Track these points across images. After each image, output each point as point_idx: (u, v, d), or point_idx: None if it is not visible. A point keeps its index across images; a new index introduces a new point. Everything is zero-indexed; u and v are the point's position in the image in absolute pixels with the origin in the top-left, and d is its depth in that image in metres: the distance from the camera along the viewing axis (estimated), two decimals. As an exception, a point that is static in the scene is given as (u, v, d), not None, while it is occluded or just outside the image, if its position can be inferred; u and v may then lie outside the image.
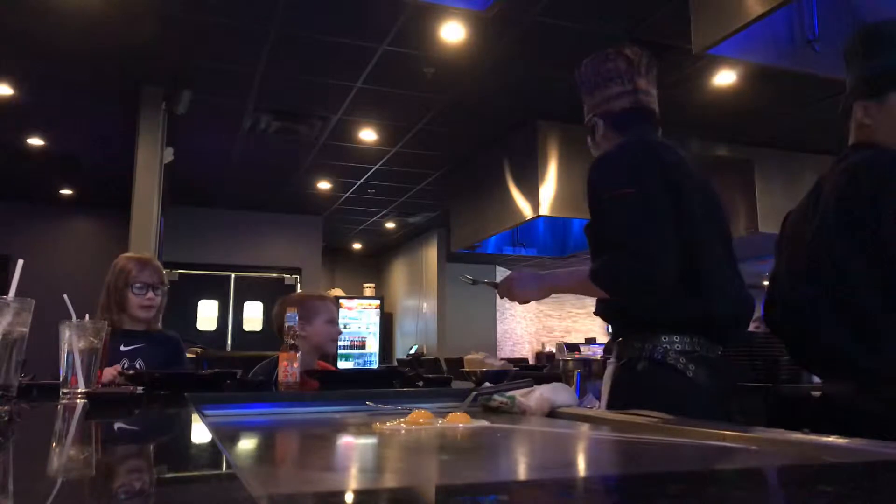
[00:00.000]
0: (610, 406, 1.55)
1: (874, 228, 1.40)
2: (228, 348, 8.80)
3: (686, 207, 1.54)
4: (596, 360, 2.10)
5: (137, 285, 2.40)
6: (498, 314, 11.06)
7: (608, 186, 1.57)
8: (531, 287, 1.68)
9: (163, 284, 2.47)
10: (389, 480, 0.79)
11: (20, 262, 1.32)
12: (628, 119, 1.71)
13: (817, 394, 1.69)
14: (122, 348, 2.32)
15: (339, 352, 9.72)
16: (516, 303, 1.74)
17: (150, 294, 2.42)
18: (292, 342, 1.85)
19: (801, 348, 1.62)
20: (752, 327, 3.88)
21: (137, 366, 2.28)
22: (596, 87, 1.76)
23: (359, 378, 2.31)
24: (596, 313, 1.75)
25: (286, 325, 1.92)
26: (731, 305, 1.57)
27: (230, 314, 9.06)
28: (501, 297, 1.77)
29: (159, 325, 2.53)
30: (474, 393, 1.41)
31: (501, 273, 11.27)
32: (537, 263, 9.79)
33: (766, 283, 1.76)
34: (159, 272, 2.48)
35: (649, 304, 1.52)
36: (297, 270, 9.21)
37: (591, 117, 1.78)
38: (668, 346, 1.49)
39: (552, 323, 11.20)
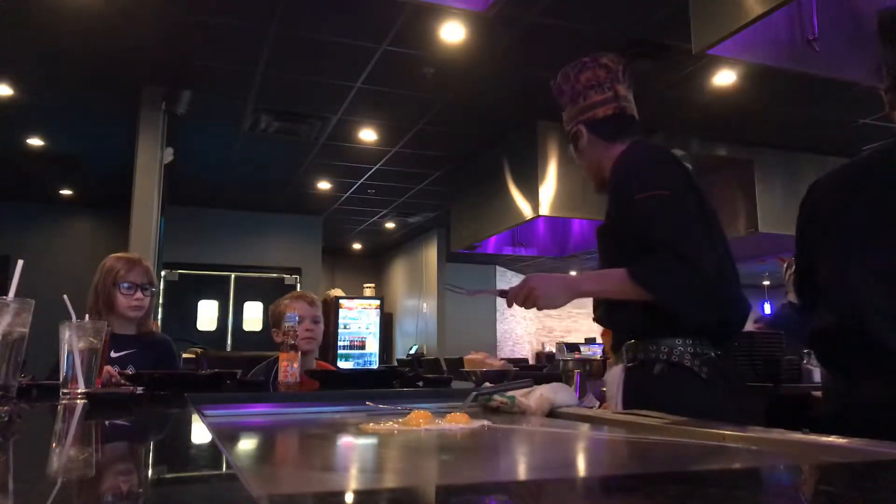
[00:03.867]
0: (626, 408, 1.51)
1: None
2: (228, 348, 8.80)
3: (707, 209, 1.57)
4: (596, 360, 2.10)
5: (125, 285, 2.36)
6: (498, 314, 11.05)
7: (640, 187, 1.54)
8: (558, 293, 1.56)
9: (151, 285, 2.43)
10: (389, 480, 0.79)
11: (20, 262, 1.32)
12: (613, 126, 1.73)
13: (818, 394, 1.67)
14: (112, 354, 2.23)
15: (339, 352, 9.71)
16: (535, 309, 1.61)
17: (139, 294, 2.38)
18: (292, 342, 1.85)
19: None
20: (753, 328, 3.89)
21: (128, 372, 2.25)
22: (577, 95, 1.79)
23: (359, 378, 2.30)
24: (595, 320, 1.71)
25: (286, 325, 1.93)
26: (740, 307, 1.59)
27: (230, 314, 9.06)
28: (514, 306, 1.61)
29: (151, 327, 2.48)
30: (474, 393, 1.41)
31: (501, 273, 11.26)
32: (537, 264, 9.79)
33: (766, 282, 1.75)
34: (148, 272, 2.44)
35: (692, 304, 1.46)
36: (297, 270, 9.21)
37: (573, 126, 1.81)
38: (683, 349, 1.50)
39: (552, 323, 11.19)
